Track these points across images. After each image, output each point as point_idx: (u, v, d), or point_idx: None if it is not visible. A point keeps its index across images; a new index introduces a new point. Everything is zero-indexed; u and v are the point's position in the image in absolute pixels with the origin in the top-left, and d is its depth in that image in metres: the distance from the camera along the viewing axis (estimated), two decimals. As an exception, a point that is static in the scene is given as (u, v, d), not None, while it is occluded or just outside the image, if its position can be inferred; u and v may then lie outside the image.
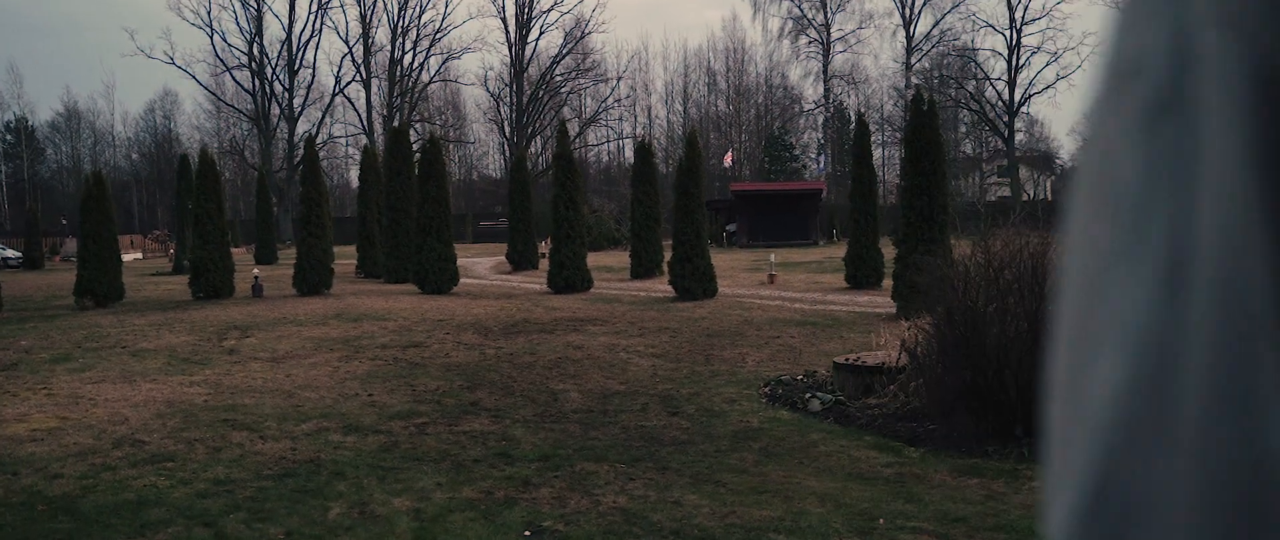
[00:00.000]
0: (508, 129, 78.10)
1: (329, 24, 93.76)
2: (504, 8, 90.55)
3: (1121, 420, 0.38)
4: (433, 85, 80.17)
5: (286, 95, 75.05)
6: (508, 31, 76.25)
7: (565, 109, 78.26)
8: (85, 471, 7.76)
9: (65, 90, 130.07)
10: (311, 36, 76.99)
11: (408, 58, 77.11)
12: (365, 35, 75.76)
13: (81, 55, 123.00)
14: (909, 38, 73.99)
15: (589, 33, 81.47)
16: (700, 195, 22.37)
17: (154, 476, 7.57)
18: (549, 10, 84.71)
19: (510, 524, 6.32)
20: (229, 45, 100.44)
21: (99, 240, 21.99)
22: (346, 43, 77.04)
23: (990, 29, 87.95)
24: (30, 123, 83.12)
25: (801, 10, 77.49)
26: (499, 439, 8.79)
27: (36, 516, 6.62)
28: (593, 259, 26.93)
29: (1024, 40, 69.66)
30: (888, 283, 20.85)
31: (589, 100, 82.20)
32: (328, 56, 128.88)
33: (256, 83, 74.22)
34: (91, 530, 6.30)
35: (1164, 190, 0.38)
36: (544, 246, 35.32)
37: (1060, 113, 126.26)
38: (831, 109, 76.80)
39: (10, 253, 48.41)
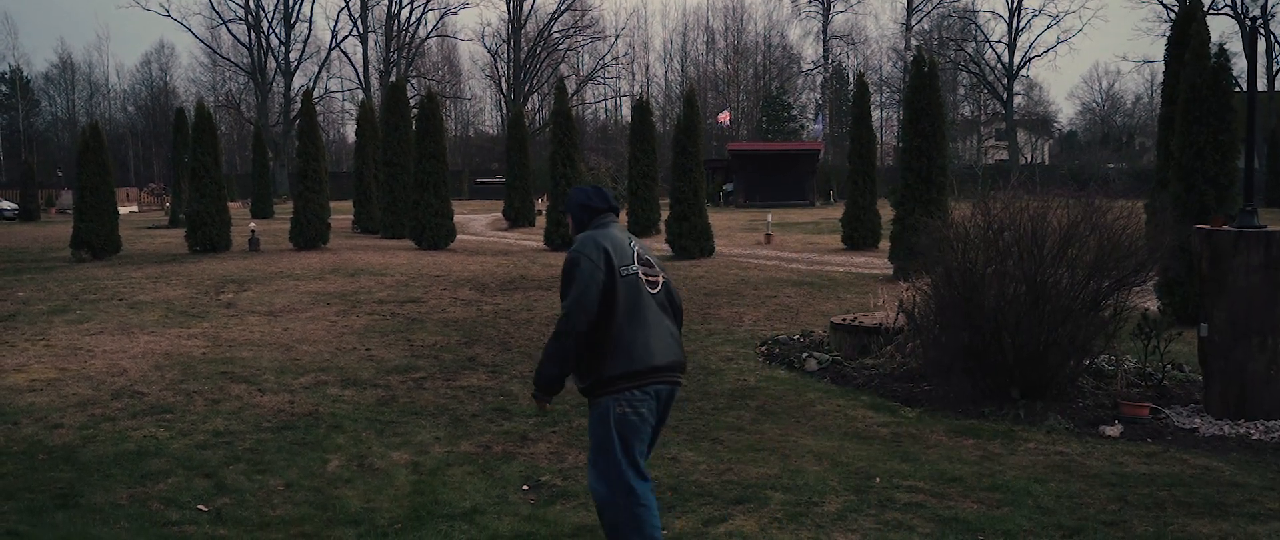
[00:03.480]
0: (505, 85, 77.68)
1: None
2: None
3: None
4: (430, 41, 79.69)
5: (283, 49, 74.61)
6: (506, -13, 75.60)
7: (563, 66, 77.82)
8: (85, 422, 7.79)
9: (60, 41, 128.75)
10: (308, -10, 76.39)
11: (405, 12, 76.62)
12: (362, -11, 75.11)
13: (76, 6, 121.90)
14: (910, -2, 73.43)
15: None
16: (698, 154, 22.32)
17: (153, 427, 7.61)
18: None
19: (508, 478, 6.36)
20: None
21: (96, 192, 21.92)
22: (343, -4, 76.38)
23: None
24: (25, 74, 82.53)
25: (803, -31, 76.81)
26: (497, 394, 8.82)
27: (37, 466, 6.65)
28: (590, 217, 26.86)
29: (1025, 2, 69.24)
30: (885, 244, 20.87)
31: (587, 57, 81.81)
32: (324, 11, 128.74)
33: (253, 36, 73.70)
34: (92, 479, 6.33)
35: None
36: (541, 203, 35.26)
37: (1060, 76, 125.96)
38: (830, 70, 76.36)
39: (6, 204, 48.26)
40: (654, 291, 4.53)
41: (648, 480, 4.52)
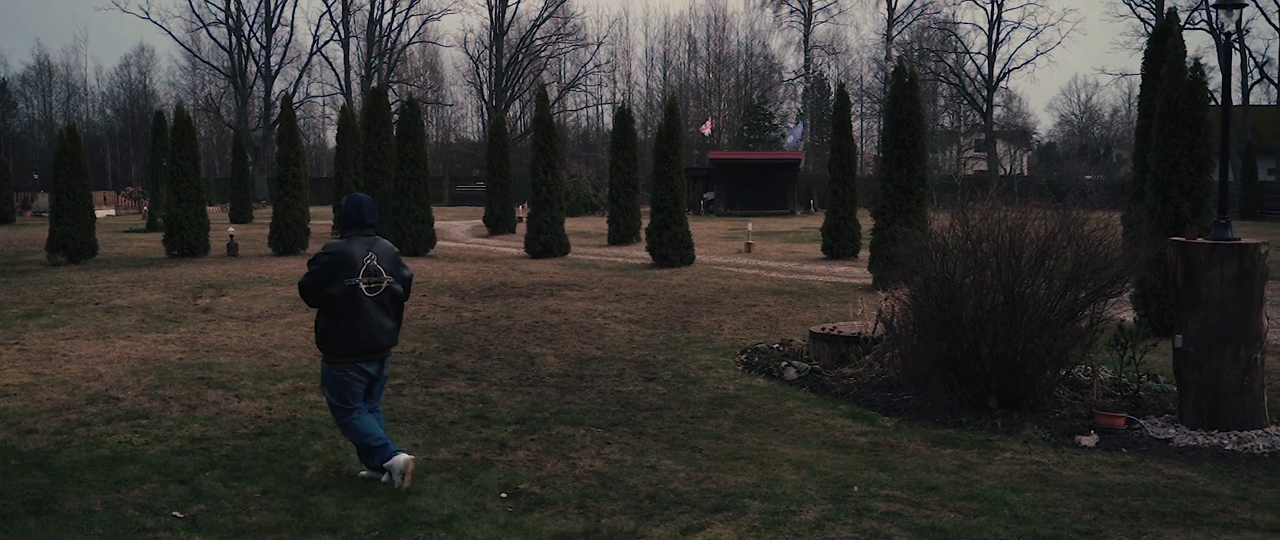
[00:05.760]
0: (486, 92, 77.59)
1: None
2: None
3: None
4: (411, 46, 79.50)
5: (263, 53, 74.25)
6: (488, -7, 75.51)
7: (545, 73, 77.79)
8: (59, 427, 7.72)
9: (37, 43, 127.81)
10: (289, -6, 75.98)
11: (387, 18, 76.37)
12: (344, -7, 74.85)
13: (54, 8, 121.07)
14: (891, 9, 73.71)
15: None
16: (679, 162, 22.36)
17: (129, 433, 7.55)
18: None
19: (487, 486, 6.35)
20: (206, 1, 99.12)
21: (73, 195, 21.76)
22: (325, 1, 76.17)
23: (972, 3, 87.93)
24: (1, 75, 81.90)
25: (784, -22, 77.00)
26: (476, 401, 8.81)
27: (10, 471, 6.59)
28: (570, 224, 26.91)
29: (1004, 15, 69.79)
30: (864, 253, 20.95)
31: (569, 65, 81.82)
32: (306, 15, 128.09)
33: (233, 40, 73.32)
34: (66, 485, 6.28)
35: None
36: (521, 211, 35.21)
37: (1039, 88, 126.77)
38: (811, 79, 76.62)
39: (-20, 207, 47.68)
40: (373, 295, 6.29)
41: (358, 410, 6.37)
